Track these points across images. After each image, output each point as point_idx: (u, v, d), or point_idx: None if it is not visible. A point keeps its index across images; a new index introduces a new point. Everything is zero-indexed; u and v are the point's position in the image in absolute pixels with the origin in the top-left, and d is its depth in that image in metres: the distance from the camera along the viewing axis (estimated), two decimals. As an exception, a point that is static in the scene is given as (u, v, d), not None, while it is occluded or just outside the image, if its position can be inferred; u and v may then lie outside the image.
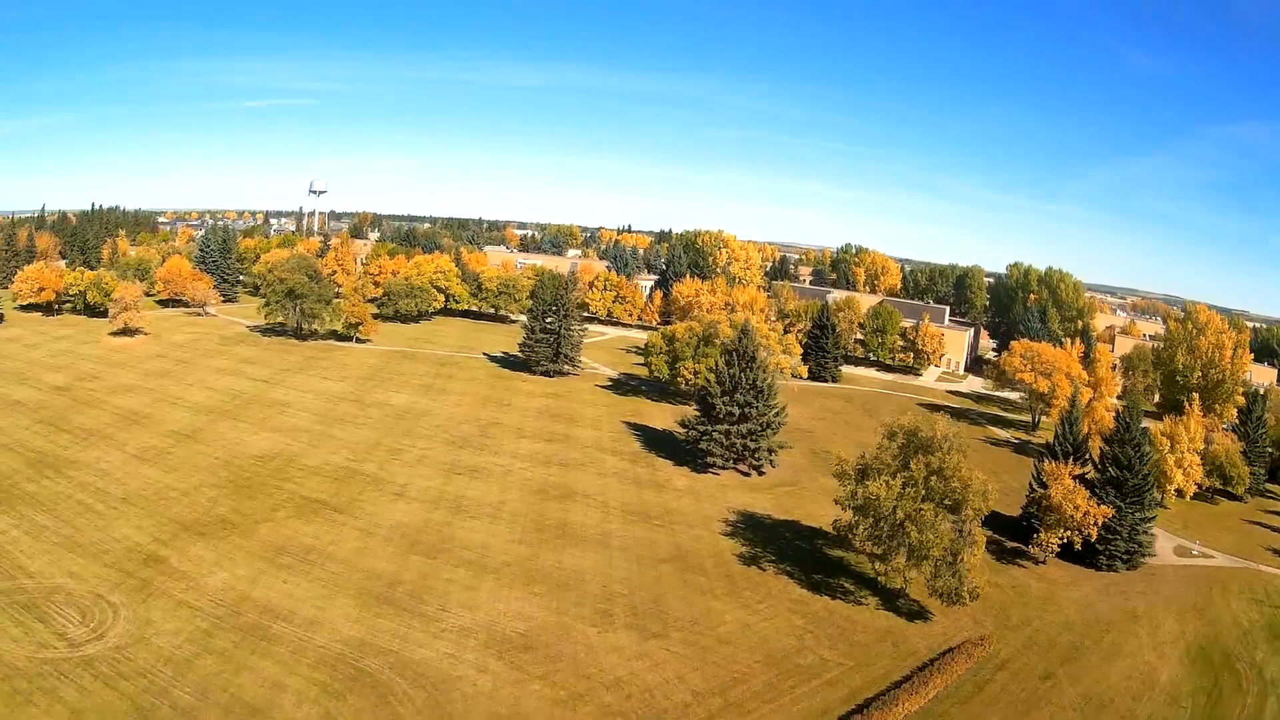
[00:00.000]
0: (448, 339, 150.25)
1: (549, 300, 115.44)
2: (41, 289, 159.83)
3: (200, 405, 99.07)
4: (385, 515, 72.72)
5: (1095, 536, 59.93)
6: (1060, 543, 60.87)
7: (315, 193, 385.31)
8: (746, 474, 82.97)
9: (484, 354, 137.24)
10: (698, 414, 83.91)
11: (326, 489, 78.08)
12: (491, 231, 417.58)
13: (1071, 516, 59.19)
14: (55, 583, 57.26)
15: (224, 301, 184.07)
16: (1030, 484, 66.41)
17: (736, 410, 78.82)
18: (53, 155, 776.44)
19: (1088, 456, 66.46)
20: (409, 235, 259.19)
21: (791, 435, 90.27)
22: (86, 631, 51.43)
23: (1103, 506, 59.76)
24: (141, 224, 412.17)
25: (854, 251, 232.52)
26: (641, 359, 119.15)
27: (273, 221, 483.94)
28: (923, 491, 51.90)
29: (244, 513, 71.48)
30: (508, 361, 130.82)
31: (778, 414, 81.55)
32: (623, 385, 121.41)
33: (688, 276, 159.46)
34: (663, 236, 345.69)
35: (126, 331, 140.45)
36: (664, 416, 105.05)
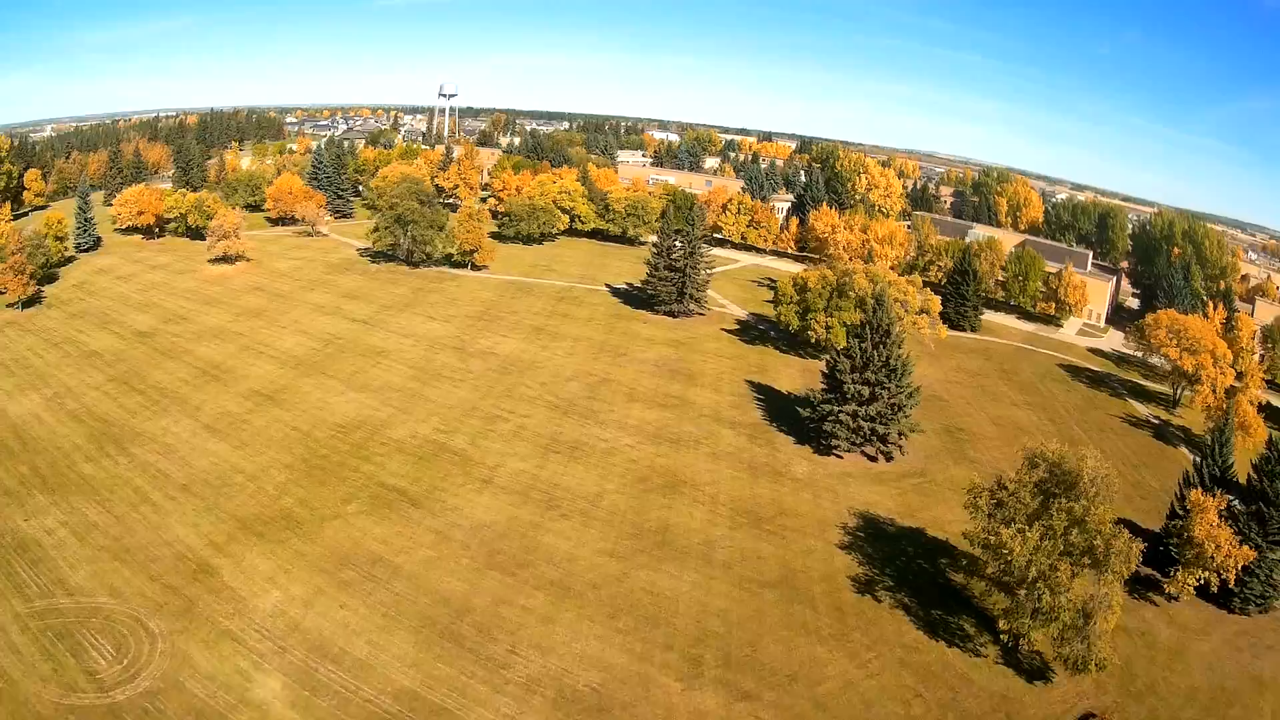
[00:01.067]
0: (570, 266, 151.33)
1: (674, 233, 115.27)
2: (140, 212, 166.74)
3: (289, 355, 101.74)
4: (467, 511, 69.86)
5: (1233, 581, 58.85)
6: (1197, 583, 60.14)
7: (445, 96, 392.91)
8: (873, 458, 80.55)
9: (606, 285, 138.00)
10: (824, 388, 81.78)
11: (408, 472, 76.01)
12: (629, 135, 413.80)
13: (1212, 557, 58.00)
14: (95, 603, 57.27)
15: (338, 218, 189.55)
16: (1172, 505, 64.91)
17: (866, 390, 77.27)
18: (182, 55, 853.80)
19: (1233, 477, 64.83)
20: (537, 147, 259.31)
21: (923, 406, 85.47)
22: (119, 670, 51.03)
23: (1245, 547, 57.76)
24: (265, 128, 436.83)
25: (995, 178, 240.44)
26: (772, 296, 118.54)
27: (405, 120, 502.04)
28: (1061, 546, 49.78)
29: (312, 506, 70.11)
30: (630, 297, 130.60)
31: (910, 395, 79.31)
32: (750, 330, 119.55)
33: (825, 205, 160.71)
34: (804, 146, 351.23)
35: (226, 259, 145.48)
36: (791, 375, 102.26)
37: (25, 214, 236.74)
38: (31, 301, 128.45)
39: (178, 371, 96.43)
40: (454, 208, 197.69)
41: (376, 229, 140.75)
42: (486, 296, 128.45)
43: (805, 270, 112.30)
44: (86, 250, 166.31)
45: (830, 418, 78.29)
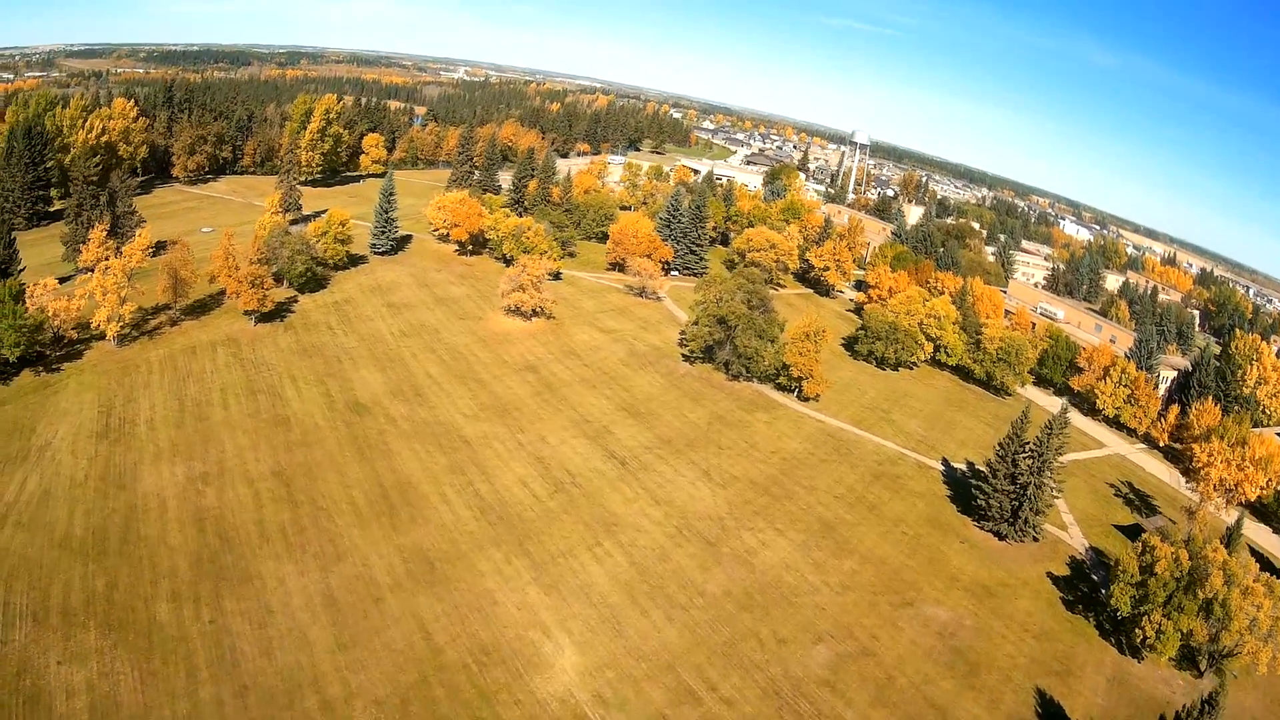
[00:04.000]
0: (913, 416, 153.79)
1: (1019, 445, 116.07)
2: (455, 224, 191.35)
3: (496, 499, 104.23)
4: None
5: None
6: None
7: (855, 144, 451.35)
8: None
9: (943, 462, 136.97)
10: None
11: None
12: (1038, 226, 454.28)
13: None
14: None
15: (685, 274, 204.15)
16: None
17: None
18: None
19: None
20: (926, 238, 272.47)
21: None
22: None
23: None
24: (669, 131, 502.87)
25: None
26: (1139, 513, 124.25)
27: (818, 155, 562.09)
28: None
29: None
30: (962, 487, 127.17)
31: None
32: (1079, 582, 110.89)
33: (1210, 399, 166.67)
34: (1205, 278, 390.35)
35: (519, 312, 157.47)
36: (1099, 686, 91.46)
37: (359, 179, 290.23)
38: (272, 315, 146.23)
39: (345, 489, 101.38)
40: (819, 288, 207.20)
41: (697, 322, 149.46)
42: (792, 450, 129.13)
43: (1154, 538, 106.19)
44: (384, 253, 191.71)
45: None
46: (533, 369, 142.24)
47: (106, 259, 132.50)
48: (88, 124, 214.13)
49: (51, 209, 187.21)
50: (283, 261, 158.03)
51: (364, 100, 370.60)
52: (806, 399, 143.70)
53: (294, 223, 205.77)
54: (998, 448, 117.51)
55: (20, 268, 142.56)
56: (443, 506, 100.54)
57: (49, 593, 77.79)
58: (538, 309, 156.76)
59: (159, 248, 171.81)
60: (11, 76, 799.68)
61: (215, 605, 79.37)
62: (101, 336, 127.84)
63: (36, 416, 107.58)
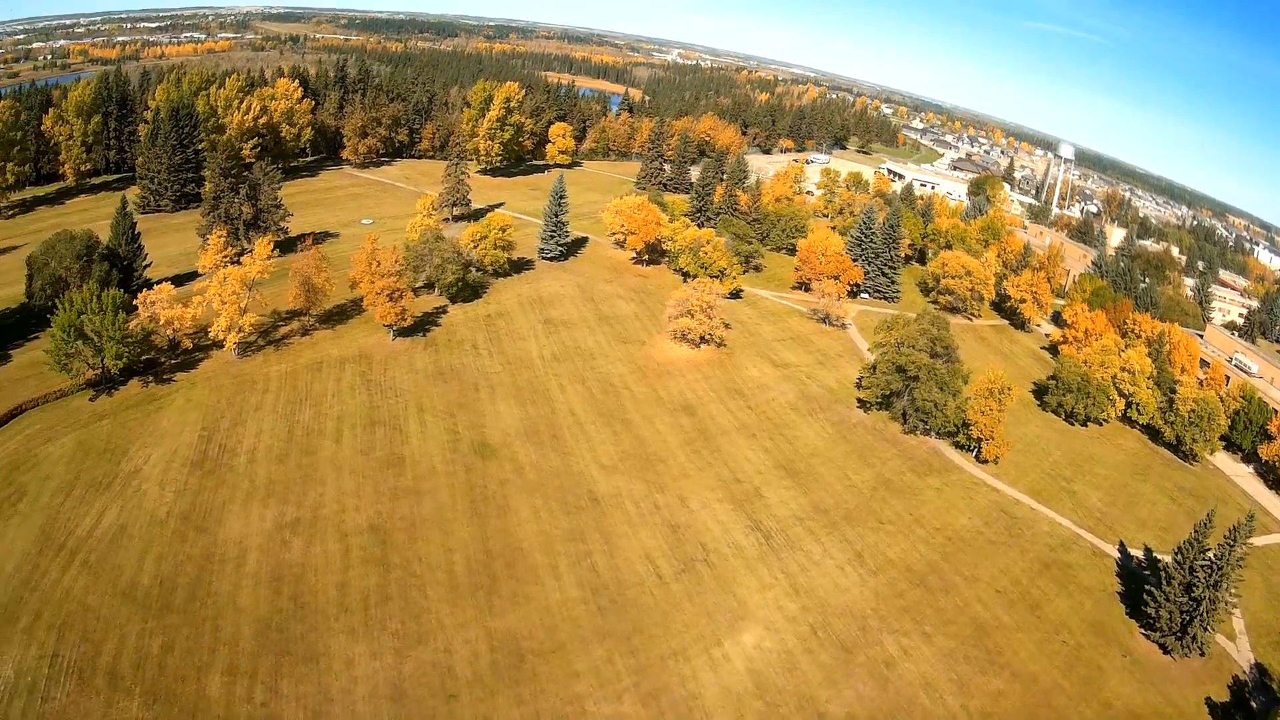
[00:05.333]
0: (1096, 486, 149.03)
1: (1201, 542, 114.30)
2: (631, 232, 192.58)
3: (607, 580, 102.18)
4: None
5: None
6: None
7: (1060, 158, 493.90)
8: None
9: (1119, 546, 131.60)
10: None
11: None
12: (1234, 255, 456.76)
13: None
14: None
15: (875, 297, 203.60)
16: None
17: None
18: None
19: None
20: (1126, 272, 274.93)
21: None
22: None
23: None
24: (874, 130, 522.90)
25: None
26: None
27: (1025, 163, 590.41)
28: None
29: None
30: (1138, 582, 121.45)
31: None
32: (1239, 715, 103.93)
33: None
34: None
35: (687, 339, 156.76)
36: None
37: (544, 169, 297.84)
38: (414, 329, 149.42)
39: (447, 553, 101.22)
40: (1014, 320, 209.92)
41: (875, 368, 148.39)
42: (959, 528, 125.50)
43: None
44: (552, 259, 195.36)
45: None
46: (689, 410, 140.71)
47: (238, 258, 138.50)
48: (244, 105, 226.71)
49: (202, 192, 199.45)
50: (432, 269, 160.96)
51: (552, 87, 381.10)
52: (985, 461, 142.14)
53: (459, 218, 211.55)
54: (1176, 552, 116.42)
55: (146, 263, 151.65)
56: (551, 582, 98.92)
57: (101, 649, 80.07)
58: (707, 336, 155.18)
59: (316, 239, 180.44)
60: (203, 37, 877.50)
61: (271, 685, 79.31)
62: (221, 345, 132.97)
63: (133, 436, 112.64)
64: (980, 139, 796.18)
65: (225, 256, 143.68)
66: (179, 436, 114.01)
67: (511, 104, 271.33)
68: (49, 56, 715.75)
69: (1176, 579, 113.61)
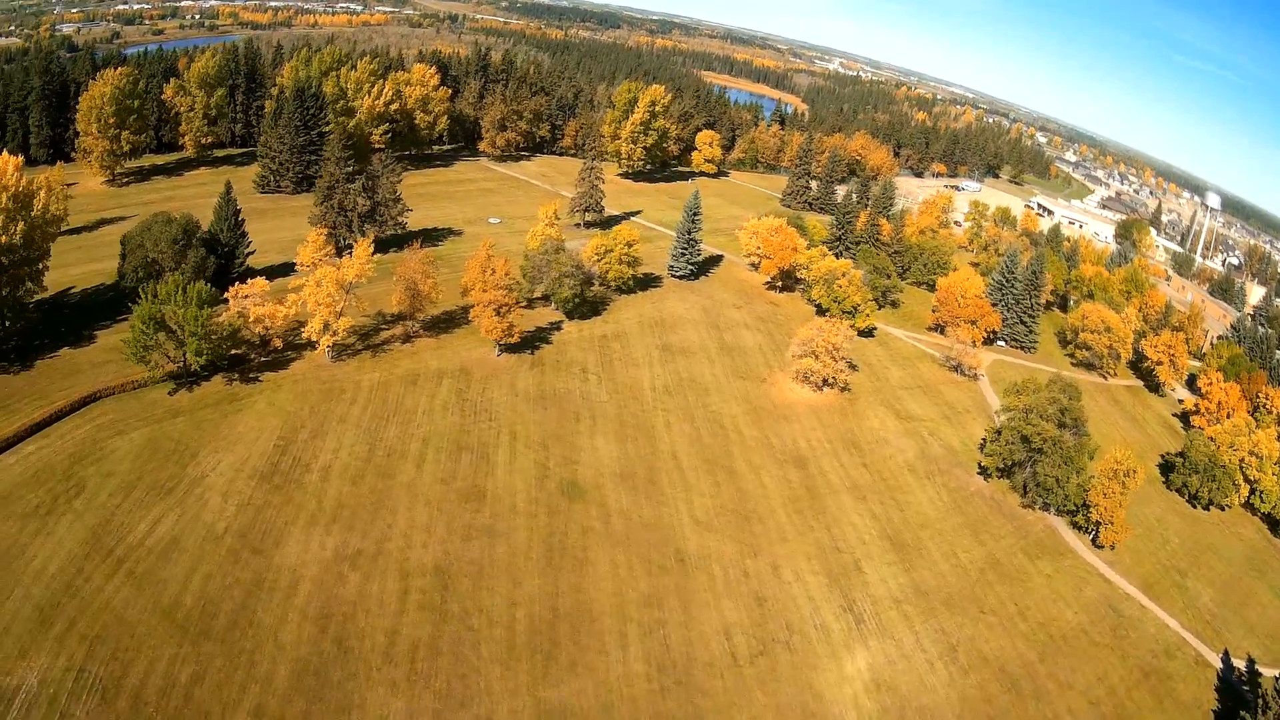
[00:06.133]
0: (1209, 580, 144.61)
1: None
2: (765, 256, 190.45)
3: (677, 656, 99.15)
4: None
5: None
6: None
7: (1206, 207, 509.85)
8: None
9: (1222, 657, 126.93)
10: None
11: None
12: None
13: None
14: None
15: (1012, 346, 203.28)
16: None
17: None
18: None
19: None
20: (1262, 342, 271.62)
21: None
22: None
23: None
24: (1027, 160, 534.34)
25: None
26: None
27: (1172, 208, 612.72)
28: None
29: None
30: (1233, 698, 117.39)
31: None
32: None
33: None
34: None
35: (808, 380, 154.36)
36: None
37: (688, 177, 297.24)
38: (523, 345, 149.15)
39: (510, 607, 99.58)
40: (1149, 381, 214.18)
41: (1000, 434, 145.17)
42: (1064, 624, 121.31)
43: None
44: (682, 277, 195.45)
45: None
46: (800, 462, 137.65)
47: (348, 251, 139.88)
48: (376, 89, 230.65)
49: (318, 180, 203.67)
50: (549, 282, 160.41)
51: (702, 91, 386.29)
52: (1101, 546, 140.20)
53: (590, 225, 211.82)
54: (1276, 680, 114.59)
55: (249, 250, 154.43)
56: (616, 653, 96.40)
57: (129, 669, 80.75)
58: (830, 379, 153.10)
59: (434, 238, 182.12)
60: (359, 9, 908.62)
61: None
62: (314, 346, 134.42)
63: (206, 439, 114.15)
64: (1130, 176, 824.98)
65: (325, 254, 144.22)
66: (253, 443, 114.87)
67: (657, 108, 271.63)
68: (196, 16, 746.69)
69: (1274, 709, 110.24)
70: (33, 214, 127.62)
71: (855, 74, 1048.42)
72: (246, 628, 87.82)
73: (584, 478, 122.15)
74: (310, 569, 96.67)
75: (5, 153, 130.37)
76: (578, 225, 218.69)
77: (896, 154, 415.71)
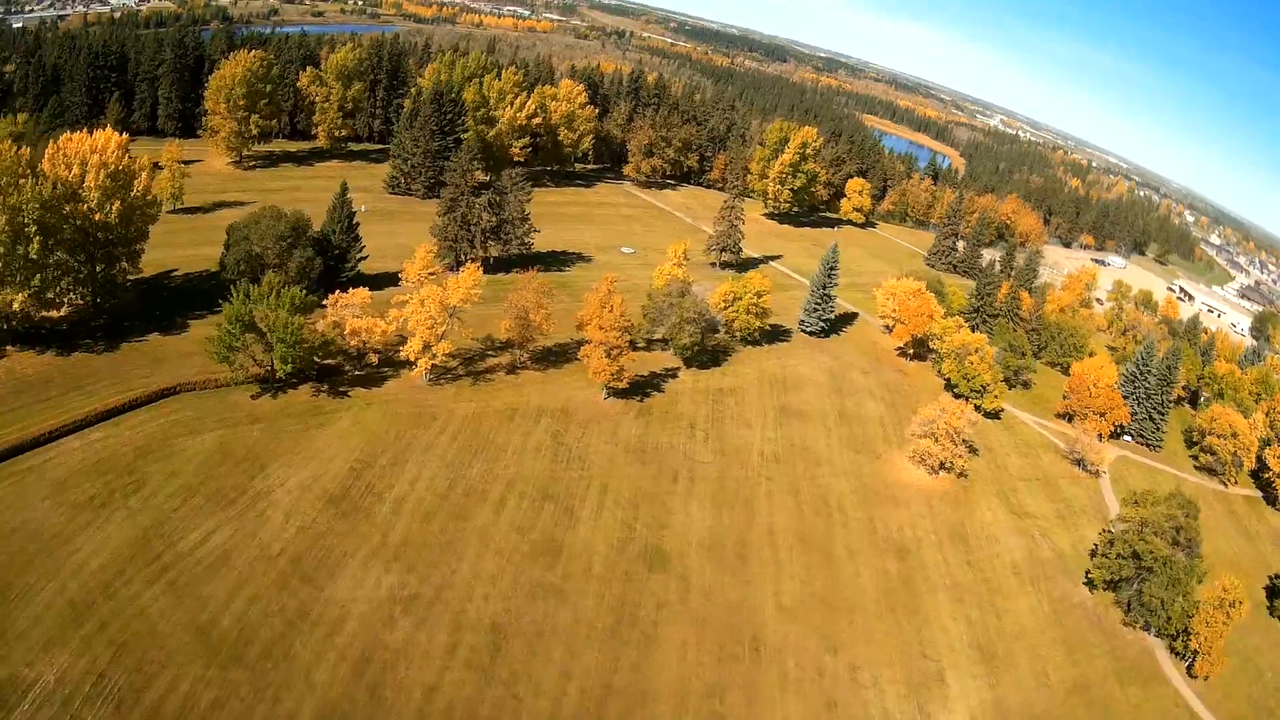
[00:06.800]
0: None
1: None
2: (900, 320, 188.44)
3: None
4: None
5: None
6: None
7: None
8: None
9: None
10: None
11: None
12: None
13: None
14: None
15: (1139, 441, 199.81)
16: None
17: None
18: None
19: None
20: None
21: None
22: None
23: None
24: (1174, 240, 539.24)
25: None
26: None
27: None
28: None
29: None
30: None
31: None
32: None
33: None
34: None
35: (924, 462, 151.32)
36: None
37: (835, 224, 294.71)
38: (632, 390, 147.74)
39: (562, 680, 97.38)
40: (1268, 493, 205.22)
41: (1111, 548, 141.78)
42: None
43: None
44: (812, 334, 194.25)
45: None
46: (901, 553, 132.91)
47: (467, 264, 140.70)
48: (518, 101, 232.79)
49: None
50: (670, 327, 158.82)
51: (856, 137, 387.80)
52: (1195, 677, 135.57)
53: (726, 265, 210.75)
54: None
55: (361, 255, 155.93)
56: None
57: (151, 683, 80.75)
58: (947, 463, 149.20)
59: (561, 262, 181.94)
60: (527, 13, 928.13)
61: None
62: (412, 365, 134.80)
63: (280, 451, 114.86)
64: (1269, 265, 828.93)
65: (432, 272, 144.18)
66: (328, 463, 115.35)
67: (808, 150, 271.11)
68: (359, 2, 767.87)
69: None
70: (131, 194, 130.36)
71: (1015, 133, 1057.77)
72: (280, 660, 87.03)
73: (670, 545, 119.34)
74: (360, 607, 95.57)
75: (110, 128, 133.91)
76: (713, 265, 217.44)
77: (1046, 221, 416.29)
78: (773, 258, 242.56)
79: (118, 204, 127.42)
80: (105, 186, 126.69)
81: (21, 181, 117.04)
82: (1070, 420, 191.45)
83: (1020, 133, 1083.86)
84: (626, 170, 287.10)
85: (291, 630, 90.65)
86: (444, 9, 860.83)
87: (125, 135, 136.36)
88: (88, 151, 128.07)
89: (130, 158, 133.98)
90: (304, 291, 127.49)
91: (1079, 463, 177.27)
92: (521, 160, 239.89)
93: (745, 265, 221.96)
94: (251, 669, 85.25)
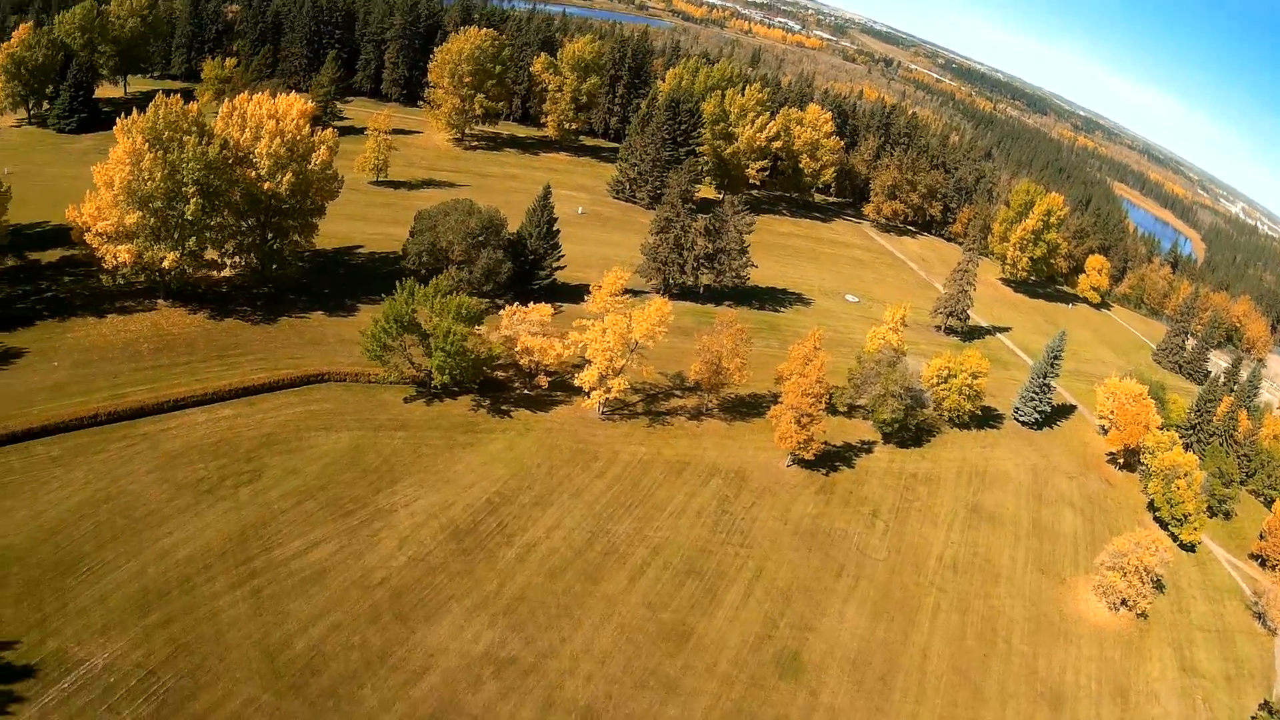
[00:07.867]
0: None
1: None
2: (1115, 425, 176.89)
3: None
4: None
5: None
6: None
7: None
8: None
9: None
10: None
11: None
12: None
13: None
14: None
15: None
16: None
17: None
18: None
19: None
20: None
21: None
22: None
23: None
24: None
25: None
26: None
27: None
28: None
29: None
30: None
31: None
32: None
33: None
34: None
35: (1107, 594, 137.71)
36: None
37: (1070, 300, 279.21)
38: (818, 462, 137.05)
39: None
40: None
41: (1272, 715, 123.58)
42: None
43: None
44: (1025, 424, 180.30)
45: None
46: (1056, 702, 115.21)
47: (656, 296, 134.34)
48: (760, 121, 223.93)
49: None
50: (872, 398, 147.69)
51: (1102, 211, 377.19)
52: None
53: (950, 331, 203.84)
54: None
55: (559, 264, 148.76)
56: None
57: (199, 694, 76.24)
58: (1130, 601, 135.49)
59: (777, 301, 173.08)
60: (799, 27, 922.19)
61: None
62: (586, 394, 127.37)
63: (417, 466, 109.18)
64: None
65: (619, 301, 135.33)
66: (465, 490, 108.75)
67: (1052, 218, 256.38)
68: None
69: None
70: (308, 167, 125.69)
71: (1254, 224, 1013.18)
72: (344, 699, 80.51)
73: (810, 652, 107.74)
74: (448, 660, 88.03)
75: (295, 93, 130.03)
76: (937, 328, 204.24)
77: (1274, 329, 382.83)
78: (1000, 329, 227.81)
79: (289, 175, 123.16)
80: (278, 155, 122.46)
81: (186, 139, 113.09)
82: (1264, 565, 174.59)
83: (1260, 224, 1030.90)
84: (867, 210, 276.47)
85: (366, 670, 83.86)
86: (714, 10, 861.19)
87: (312, 104, 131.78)
88: (264, 115, 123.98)
89: (308, 128, 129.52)
90: (488, 296, 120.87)
91: (1260, 616, 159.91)
92: (758, 183, 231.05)
93: (970, 334, 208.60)
94: (311, 704, 78.96)
